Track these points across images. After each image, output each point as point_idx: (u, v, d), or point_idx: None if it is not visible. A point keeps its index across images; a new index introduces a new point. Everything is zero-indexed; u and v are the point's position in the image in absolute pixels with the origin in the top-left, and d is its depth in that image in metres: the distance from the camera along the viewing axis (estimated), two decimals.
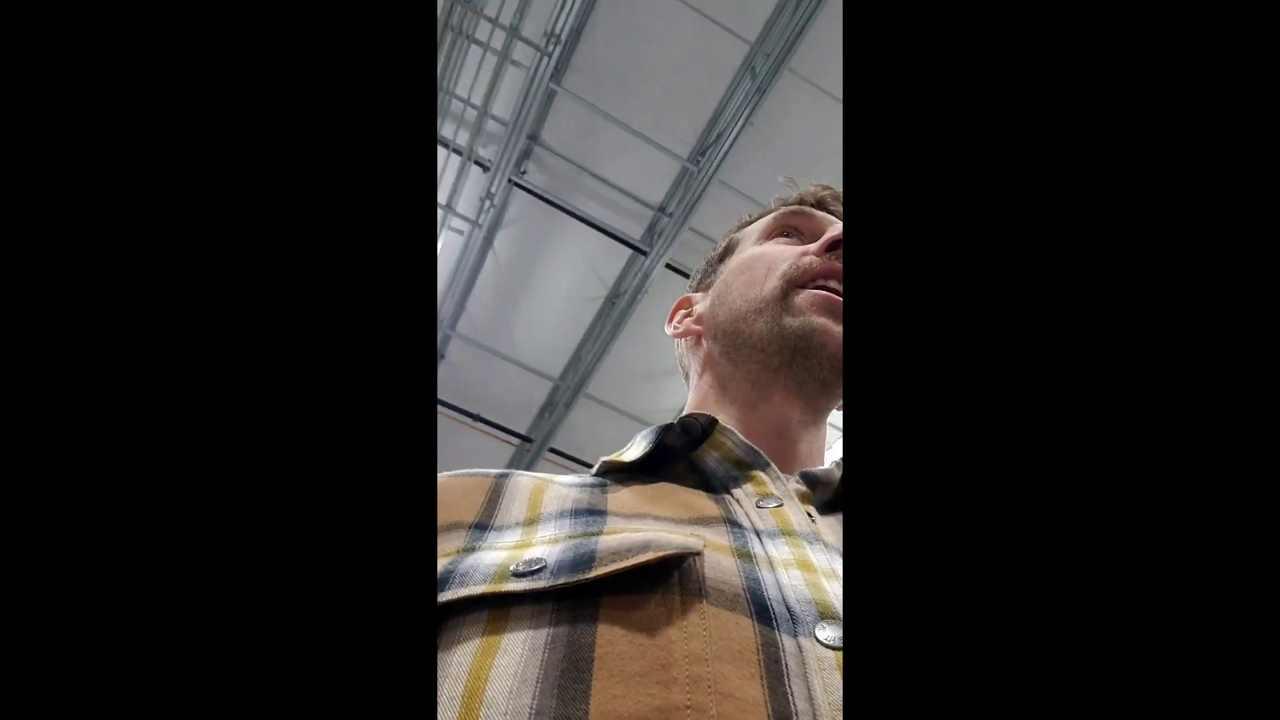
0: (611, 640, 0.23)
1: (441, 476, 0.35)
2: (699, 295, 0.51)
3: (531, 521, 0.31)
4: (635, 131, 2.70)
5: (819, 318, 0.41)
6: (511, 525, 0.31)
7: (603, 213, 2.93)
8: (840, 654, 0.23)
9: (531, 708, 0.21)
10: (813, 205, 0.50)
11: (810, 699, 0.22)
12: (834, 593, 0.26)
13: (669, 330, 0.51)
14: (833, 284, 0.42)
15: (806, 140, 2.64)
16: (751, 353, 0.43)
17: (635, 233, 2.98)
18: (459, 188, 2.76)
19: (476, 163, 2.73)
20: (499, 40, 2.44)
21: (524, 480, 0.35)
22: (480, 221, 2.84)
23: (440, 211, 2.82)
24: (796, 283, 0.43)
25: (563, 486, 0.34)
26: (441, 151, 2.67)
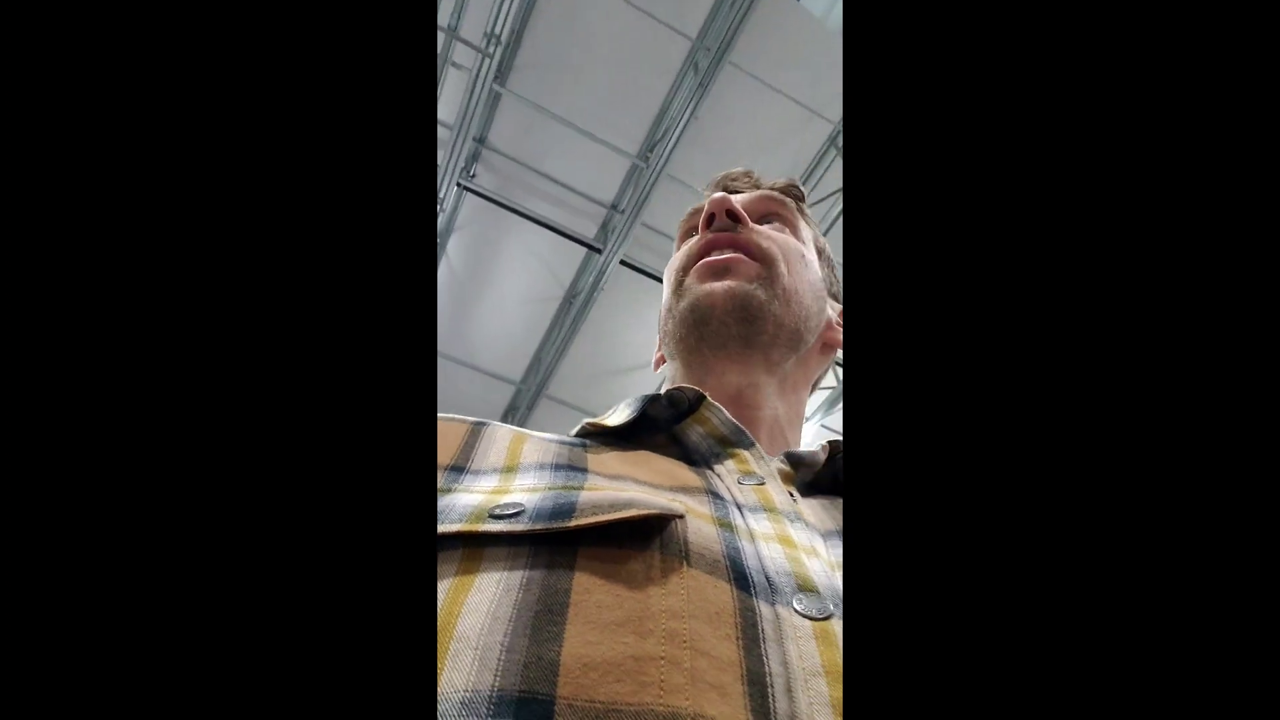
0: (589, 588, 0.23)
1: None
2: None
3: (510, 469, 0.31)
4: (583, 130, 2.71)
5: (700, 285, 0.44)
6: (489, 470, 0.31)
7: (555, 212, 2.93)
8: (815, 624, 0.23)
9: (503, 644, 0.21)
10: (706, 198, 0.53)
11: (785, 663, 0.22)
12: (813, 568, 0.26)
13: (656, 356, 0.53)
14: (712, 254, 0.45)
15: (750, 132, 2.69)
16: (674, 345, 0.46)
17: (589, 231, 2.99)
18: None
19: None
20: (438, 43, 2.41)
21: (502, 429, 0.35)
22: None
23: None
24: (686, 269, 0.46)
25: (542, 440, 0.34)
26: None
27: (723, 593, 0.24)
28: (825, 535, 0.30)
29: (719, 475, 0.34)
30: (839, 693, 0.21)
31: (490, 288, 3.16)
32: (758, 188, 0.53)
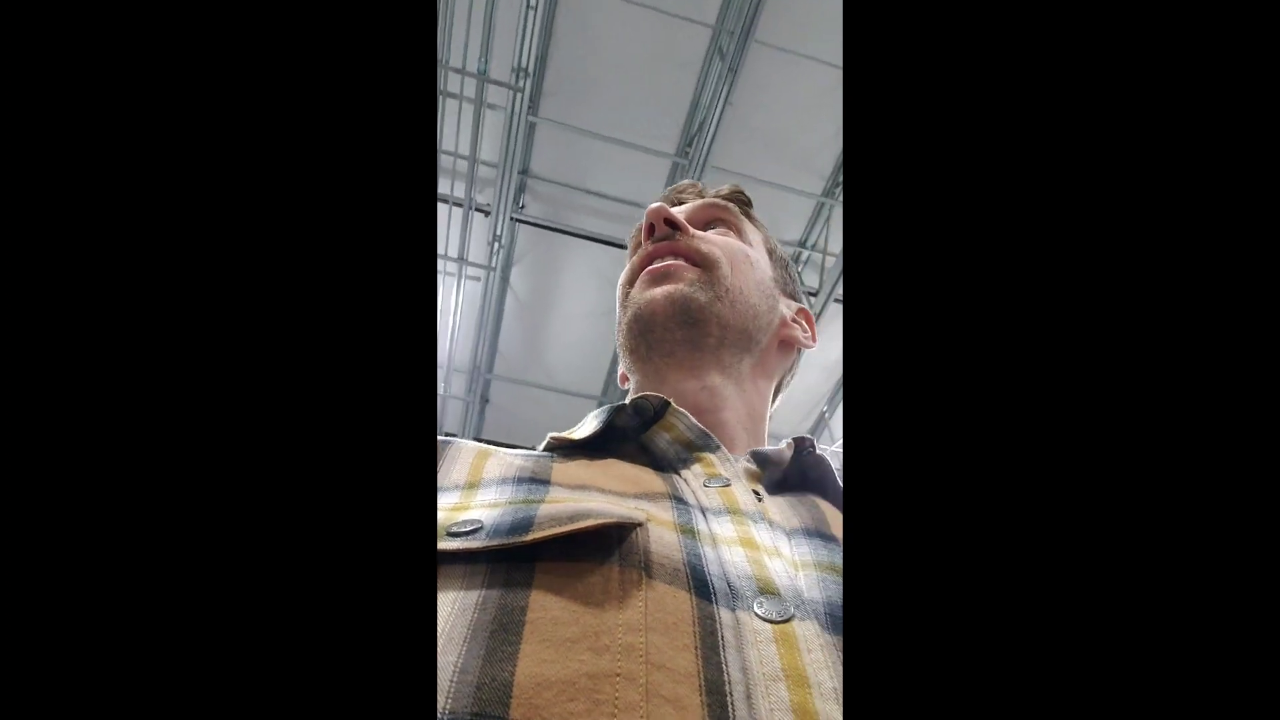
0: (545, 605, 0.23)
1: None
2: None
3: (472, 485, 0.30)
4: (619, 141, 2.73)
5: (641, 293, 0.44)
6: (450, 488, 0.30)
7: (607, 226, 2.96)
8: (776, 627, 0.23)
9: (456, 666, 0.20)
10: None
11: (744, 669, 0.22)
12: (774, 569, 0.26)
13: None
14: (654, 263, 0.45)
15: (788, 106, 2.65)
16: (628, 358, 0.46)
17: None
18: (467, 238, 2.82)
19: (477, 209, 2.78)
20: (471, 88, 2.48)
21: (467, 446, 0.35)
22: (493, 265, 2.89)
23: (455, 264, 2.87)
24: (630, 282, 0.47)
25: (507, 455, 0.34)
26: (443, 208, 2.72)
27: (681, 602, 0.24)
28: (790, 534, 0.30)
29: (685, 480, 0.34)
30: (799, 697, 0.21)
31: (557, 310, 3.23)
32: (702, 197, 0.53)
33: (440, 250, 2.81)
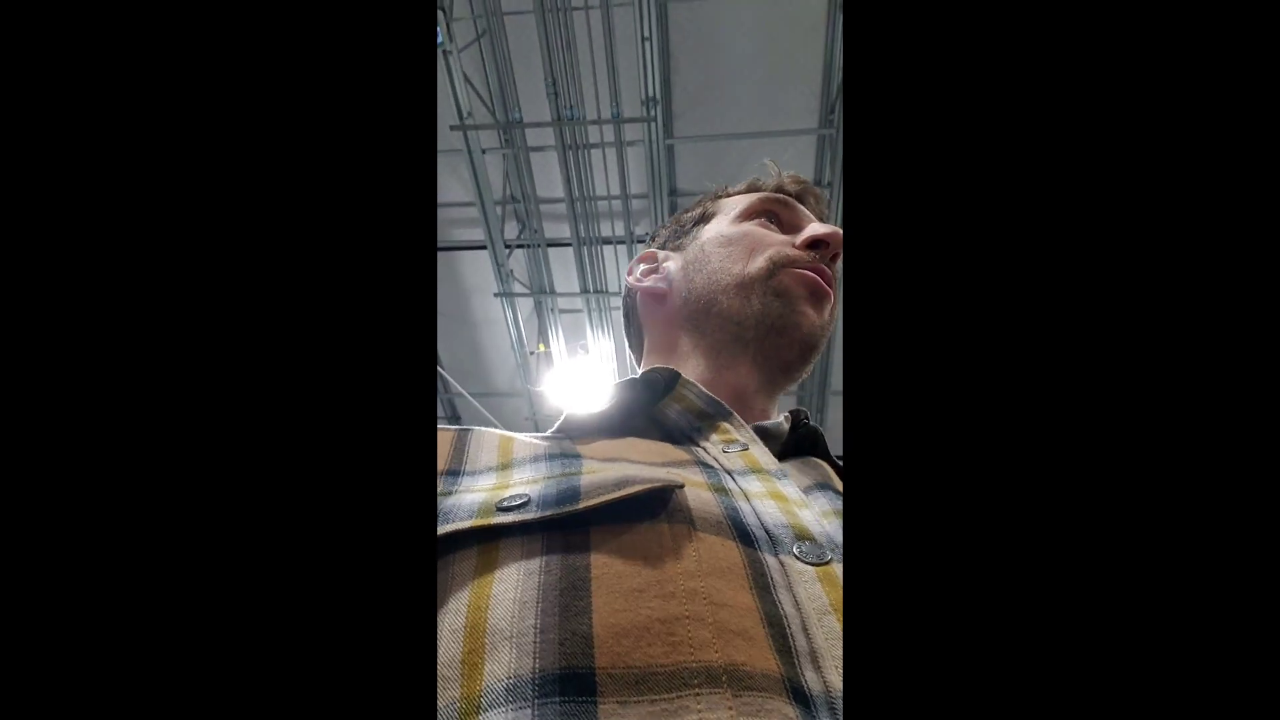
0: (607, 563, 0.24)
1: None
2: (667, 254, 0.50)
3: (505, 466, 0.31)
4: (756, 133, 2.69)
5: (803, 303, 0.42)
6: (484, 470, 0.31)
7: None
8: (817, 569, 0.25)
9: (536, 627, 0.21)
10: (793, 197, 0.49)
11: (797, 605, 0.23)
12: (806, 518, 0.27)
13: (628, 279, 0.50)
14: (819, 281, 0.43)
15: None
16: (724, 323, 0.42)
17: None
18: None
19: (637, 241, 2.91)
20: (609, 133, 2.62)
21: (489, 432, 0.35)
22: None
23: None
24: (782, 266, 0.43)
25: (528, 438, 0.35)
26: (608, 250, 2.89)
27: (730, 550, 0.25)
28: (807, 490, 0.32)
29: (704, 449, 0.34)
30: None
31: None
32: (824, 213, 0.51)
33: (614, 288, 2.98)
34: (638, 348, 0.50)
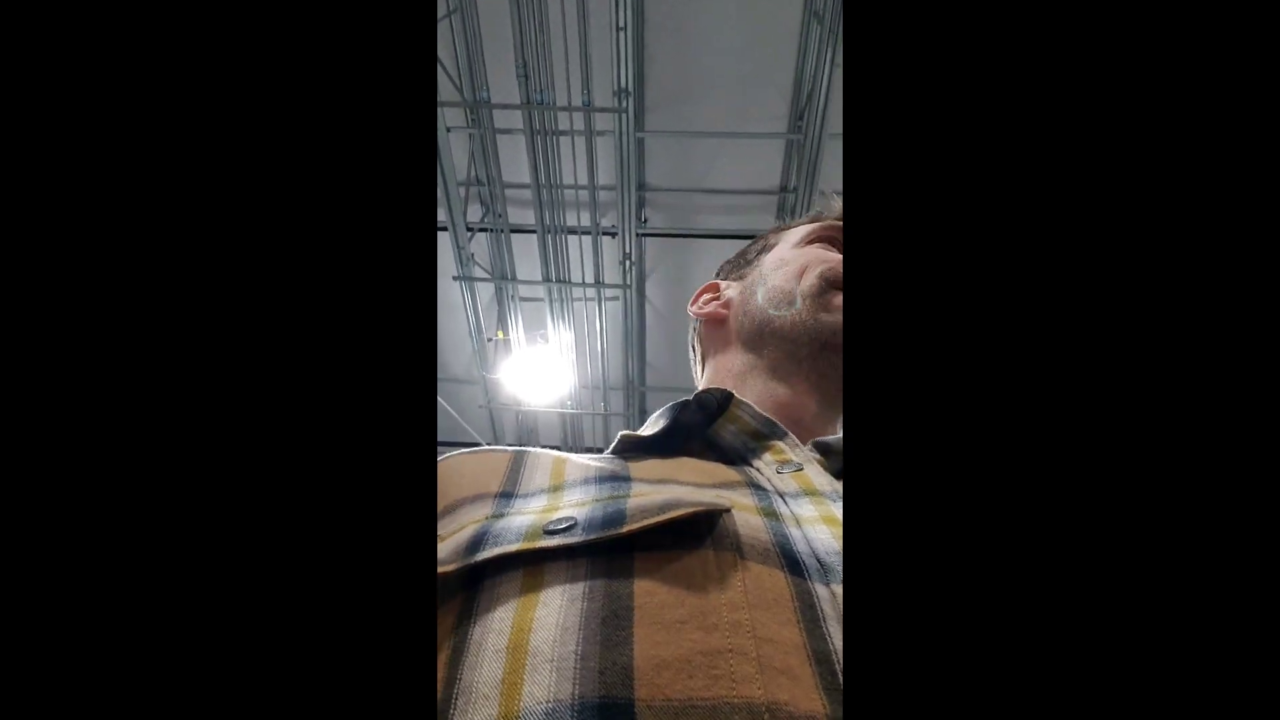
0: (650, 591, 0.23)
1: (460, 454, 0.36)
2: (728, 283, 0.51)
3: (556, 488, 0.31)
4: (727, 133, 2.70)
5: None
6: (536, 492, 0.31)
7: (729, 221, 2.94)
8: None
9: (577, 654, 0.21)
10: None
11: None
12: None
13: (691, 310, 0.51)
14: None
15: None
16: (780, 341, 0.42)
17: (769, 222, 2.95)
18: (600, 262, 2.94)
19: (603, 233, 2.89)
20: (579, 121, 2.59)
21: (544, 454, 0.35)
22: (628, 282, 2.98)
23: (592, 289, 3.01)
24: (835, 284, 0.43)
25: (582, 459, 0.35)
26: (573, 239, 2.86)
27: (778, 580, 0.24)
28: None
29: (757, 469, 0.34)
30: None
31: None
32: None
33: (576, 278, 2.96)
34: (701, 377, 0.50)
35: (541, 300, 3.03)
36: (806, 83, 2.55)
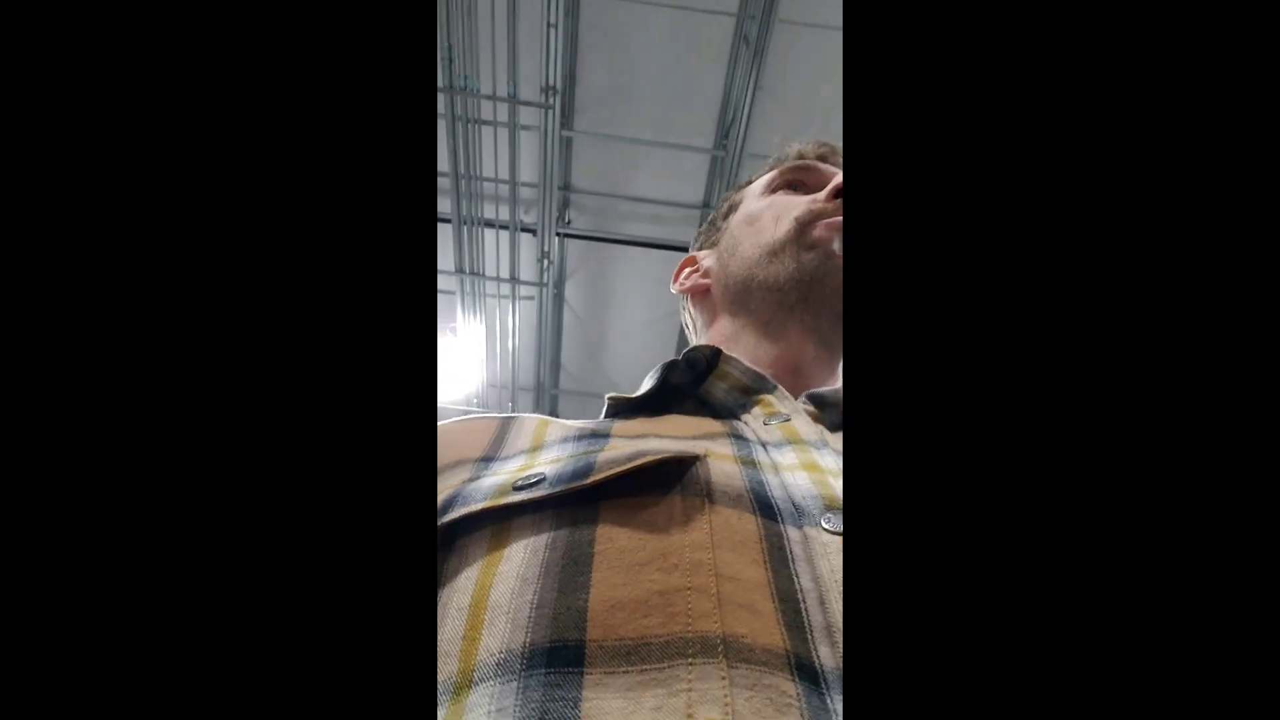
0: (611, 537, 0.23)
1: (451, 422, 0.35)
2: (704, 253, 0.51)
3: (535, 449, 0.31)
4: (654, 143, 2.72)
5: (836, 245, 0.41)
6: (515, 454, 0.31)
7: (653, 229, 2.96)
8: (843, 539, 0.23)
9: (533, 603, 0.21)
10: (814, 159, 0.49)
11: (816, 578, 0.22)
12: (839, 488, 0.26)
13: (674, 287, 0.51)
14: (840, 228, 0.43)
15: (820, 80, 2.56)
16: (765, 294, 0.42)
17: (690, 235, 2.99)
18: (516, 259, 2.88)
19: (523, 229, 2.85)
20: (504, 112, 2.55)
21: (530, 418, 0.35)
22: (545, 282, 2.95)
23: (507, 285, 2.95)
24: (808, 223, 0.42)
25: (568, 421, 0.35)
26: (490, 232, 2.80)
27: (747, 522, 0.24)
28: None
29: (745, 422, 0.33)
30: None
31: (614, 319, 3.25)
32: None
33: (491, 273, 2.89)
34: None
35: (453, 293, 2.94)
36: (733, 101, 2.61)
